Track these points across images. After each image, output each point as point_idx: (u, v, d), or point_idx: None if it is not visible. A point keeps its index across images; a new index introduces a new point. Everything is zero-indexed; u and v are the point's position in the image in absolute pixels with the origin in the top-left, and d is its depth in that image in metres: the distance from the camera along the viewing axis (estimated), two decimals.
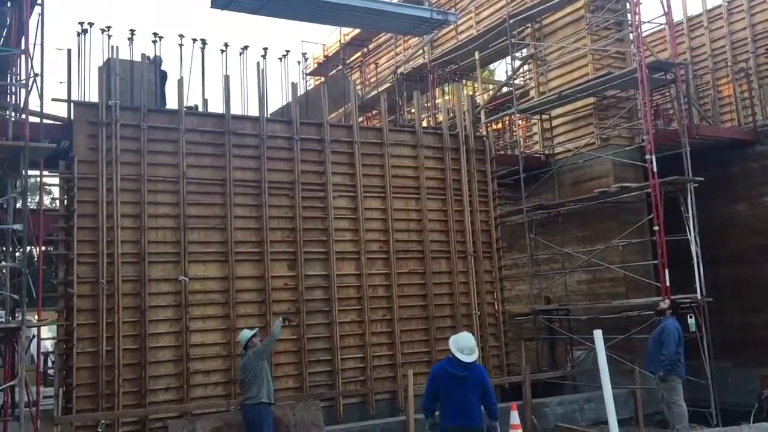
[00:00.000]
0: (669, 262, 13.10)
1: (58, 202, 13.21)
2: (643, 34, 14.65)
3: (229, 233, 11.53)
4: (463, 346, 6.89)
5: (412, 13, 13.18)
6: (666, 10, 14.49)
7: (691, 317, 12.96)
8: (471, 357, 6.85)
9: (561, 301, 15.85)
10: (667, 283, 12.99)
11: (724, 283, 15.02)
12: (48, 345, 17.25)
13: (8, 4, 11.61)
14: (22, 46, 10.73)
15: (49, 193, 22.68)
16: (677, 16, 18.26)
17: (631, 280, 14.32)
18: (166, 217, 11.26)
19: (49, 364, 15.32)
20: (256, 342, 9.01)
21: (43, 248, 11.44)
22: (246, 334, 9.12)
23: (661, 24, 15.59)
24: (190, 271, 11.19)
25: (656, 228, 13.25)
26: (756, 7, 18.85)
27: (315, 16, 13.30)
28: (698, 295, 13.21)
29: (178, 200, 11.29)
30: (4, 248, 11.63)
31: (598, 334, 7.46)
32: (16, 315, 10.98)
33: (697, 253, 13.45)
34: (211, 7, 12.48)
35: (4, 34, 12.58)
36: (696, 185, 13.71)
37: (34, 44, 10.75)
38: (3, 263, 11.37)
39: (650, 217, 13.62)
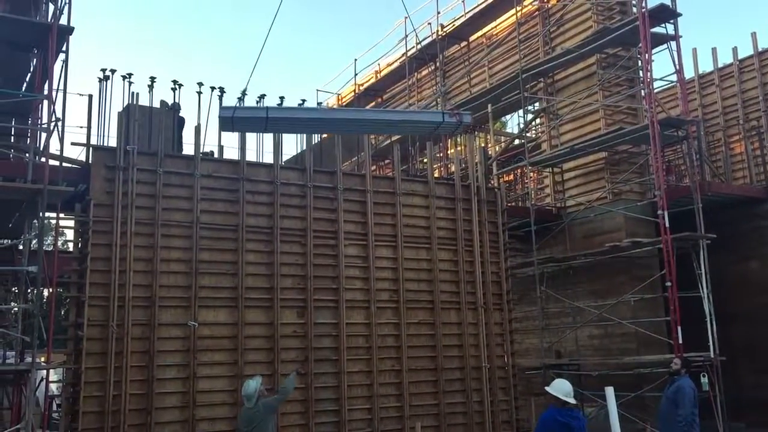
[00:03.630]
0: (681, 318, 12.97)
1: (71, 244, 13.28)
2: (655, 91, 14.80)
3: (240, 279, 11.56)
4: (567, 390, 6.84)
5: (421, 119, 12.41)
6: (677, 67, 14.65)
7: (704, 376, 12.78)
8: (573, 399, 6.86)
9: (571, 355, 15.67)
10: (680, 341, 12.84)
11: (737, 342, 14.84)
12: (54, 388, 17.17)
13: (34, 50, 11.92)
14: (46, 91, 10.98)
15: (62, 234, 22.83)
16: (689, 73, 18.47)
17: (643, 336, 14.16)
18: (178, 261, 11.30)
19: (55, 407, 15.20)
20: (263, 391, 8.69)
21: (55, 290, 11.47)
22: (254, 385, 8.57)
23: (672, 81, 15.73)
24: (199, 316, 11.19)
25: (668, 284, 13.15)
26: (767, 66, 19.06)
27: (324, 130, 12.89)
28: (711, 353, 13.04)
29: (190, 245, 11.36)
30: (15, 289, 11.69)
31: (609, 392, 7.40)
32: (26, 357, 10.96)
33: (709, 310, 13.33)
34: (220, 130, 12.34)
35: (28, 79, 12.88)
36: (708, 242, 13.67)
37: (57, 89, 11.02)
38: (15, 304, 11.40)
39: (662, 272, 13.54)
